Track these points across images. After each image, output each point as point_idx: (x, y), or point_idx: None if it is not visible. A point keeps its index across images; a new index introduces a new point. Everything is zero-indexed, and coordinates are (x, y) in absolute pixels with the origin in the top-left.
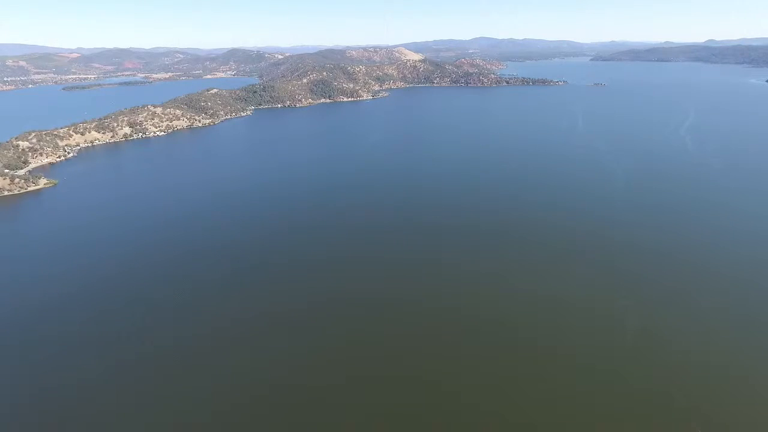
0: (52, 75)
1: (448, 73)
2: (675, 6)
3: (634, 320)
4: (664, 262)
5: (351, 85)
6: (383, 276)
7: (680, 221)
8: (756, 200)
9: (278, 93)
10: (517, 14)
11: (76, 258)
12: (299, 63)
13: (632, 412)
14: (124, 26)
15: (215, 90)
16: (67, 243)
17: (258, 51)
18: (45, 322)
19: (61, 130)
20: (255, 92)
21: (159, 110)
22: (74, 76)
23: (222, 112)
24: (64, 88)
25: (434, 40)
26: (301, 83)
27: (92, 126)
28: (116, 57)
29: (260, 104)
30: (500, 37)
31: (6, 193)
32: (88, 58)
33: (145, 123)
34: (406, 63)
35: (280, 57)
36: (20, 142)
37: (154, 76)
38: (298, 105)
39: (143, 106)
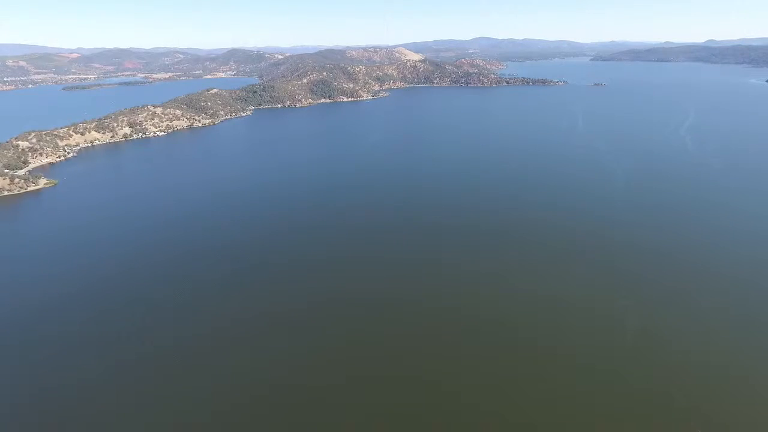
0: (52, 75)
1: (448, 73)
2: (675, 6)
3: (634, 320)
4: (664, 262)
5: (351, 85)
6: (383, 276)
7: (680, 221)
8: (756, 200)
9: (278, 93)
10: (517, 14)
11: (76, 258)
12: (299, 63)
13: (632, 412)
14: (124, 26)
15: (215, 90)
16: (67, 243)
17: (258, 51)
18: (45, 322)
19: (61, 130)
20: (255, 92)
21: (159, 110)
22: (74, 76)
23: (222, 112)
24: (64, 88)
25: (434, 40)
26: (301, 83)
27: (92, 126)
28: (116, 57)
29: (260, 104)
30: (500, 37)
31: (6, 193)
32: (88, 58)
33: (145, 123)
34: (406, 63)
35: (280, 57)
36: (20, 142)
37: (154, 76)
38: (298, 105)
39: (143, 106)
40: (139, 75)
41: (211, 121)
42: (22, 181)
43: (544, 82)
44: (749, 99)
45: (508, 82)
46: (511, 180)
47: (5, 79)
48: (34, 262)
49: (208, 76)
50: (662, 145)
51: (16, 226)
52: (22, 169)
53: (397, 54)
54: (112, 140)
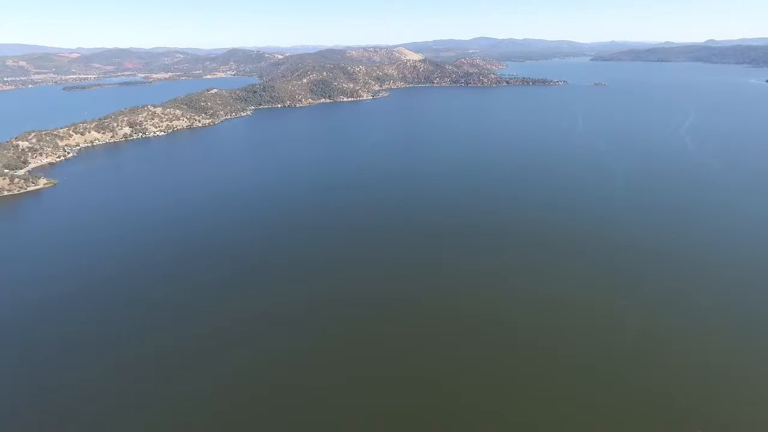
0: (52, 75)
1: (448, 73)
2: (675, 6)
3: (634, 320)
4: (664, 262)
5: (351, 85)
6: (383, 276)
7: (680, 221)
8: (756, 200)
9: (278, 93)
10: (517, 14)
11: (76, 258)
12: (299, 63)
13: (632, 412)
14: (124, 26)
15: (215, 90)
16: (67, 243)
17: (258, 51)
18: (45, 322)
19: (61, 130)
20: (255, 92)
21: (159, 110)
22: (74, 76)
23: (222, 112)
24: (64, 88)
25: (434, 40)
26: (301, 83)
27: (92, 126)
28: (116, 57)
29: (260, 104)
30: (500, 37)
31: (6, 193)
32: (88, 58)
33: (145, 123)
34: (406, 63)
35: (280, 57)
36: (20, 142)
37: (154, 76)
38: (298, 105)
39: (143, 106)
40: (139, 75)
41: (211, 121)
42: (22, 181)
43: (544, 82)
44: (749, 99)
45: (508, 82)
46: (511, 180)
47: (5, 79)
48: (34, 262)
49: (208, 76)
50: (662, 145)
51: (16, 226)
52: (22, 169)
53: (397, 54)
54: (112, 140)
